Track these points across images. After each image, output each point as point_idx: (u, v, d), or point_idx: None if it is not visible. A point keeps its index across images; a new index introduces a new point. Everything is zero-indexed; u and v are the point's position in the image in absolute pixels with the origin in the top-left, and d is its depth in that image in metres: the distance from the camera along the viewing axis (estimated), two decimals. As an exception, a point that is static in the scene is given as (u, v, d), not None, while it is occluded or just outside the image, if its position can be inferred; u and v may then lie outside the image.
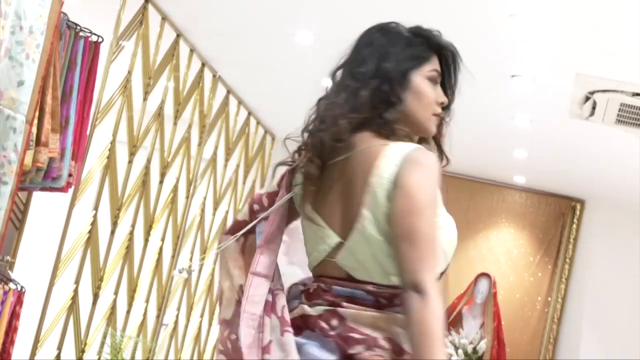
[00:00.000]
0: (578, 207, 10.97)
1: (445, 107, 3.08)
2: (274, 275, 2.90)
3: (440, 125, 3.08)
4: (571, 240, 10.92)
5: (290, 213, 3.02)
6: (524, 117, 8.44)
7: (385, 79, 2.95)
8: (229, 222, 3.04)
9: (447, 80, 3.10)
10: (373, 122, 2.93)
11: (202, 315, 9.70)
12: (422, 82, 2.99)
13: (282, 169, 3.02)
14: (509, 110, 8.33)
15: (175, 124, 8.30)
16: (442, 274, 2.86)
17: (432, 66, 3.03)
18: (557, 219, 11.04)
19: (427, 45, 3.06)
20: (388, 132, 2.92)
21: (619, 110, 7.35)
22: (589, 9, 5.99)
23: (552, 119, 8.23)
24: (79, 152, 5.83)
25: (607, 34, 6.29)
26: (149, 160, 7.90)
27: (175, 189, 8.56)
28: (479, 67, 7.39)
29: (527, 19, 6.31)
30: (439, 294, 2.71)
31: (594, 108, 7.47)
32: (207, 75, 8.71)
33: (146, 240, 8.03)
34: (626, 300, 10.64)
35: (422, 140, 3.05)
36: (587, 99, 7.37)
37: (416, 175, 2.80)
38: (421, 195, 2.77)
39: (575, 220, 10.95)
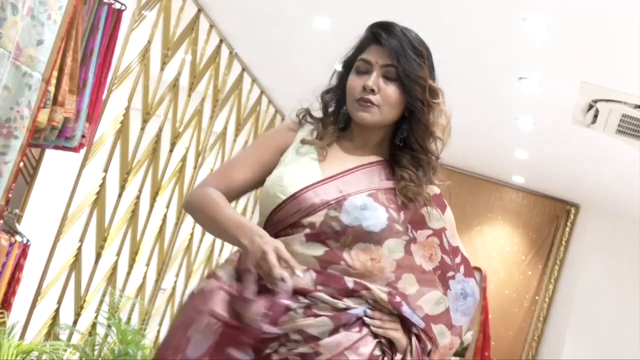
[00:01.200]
0: (573, 211, 11.00)
1: (408, 94, 2.91)
2: None
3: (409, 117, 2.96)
4: (563, 242, 10.95)
5: None
6: (527, 119, 8.45)
7: (333, 78, 3.08)
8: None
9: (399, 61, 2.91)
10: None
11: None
12: (350, 75, 2.97)
13: None
14: (513, 111, 8.34)
15: (189, 95, 8.31)
16: (275, 210, 2.84)
17: (361, 56, 2.95)
18: (551, 221, 11.06)
19: (363, 38, 3.00)
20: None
21: (620, 121, 7.34)
22: (600, 20, 5.98)
23: (554, 123, 8.23)
24: (94, 115, 5.83)
25: (616, 46, 6.28)
26: (160, 129, 7.90)
27: (184, 159, 8.56)
28: (489, 67, 7.41)
29: (539, 24, 6.30)
30: (209, 186, 2.96)
31: (596, 116, 7.46)
32: (224, 52, 8.71)
33: (152, 206, 8.04)
34: (612, 304, 10.68)
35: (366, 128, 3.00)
36: (591, 107, 7.37)
37: None
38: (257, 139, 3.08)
39: (568, 224, 10.98)
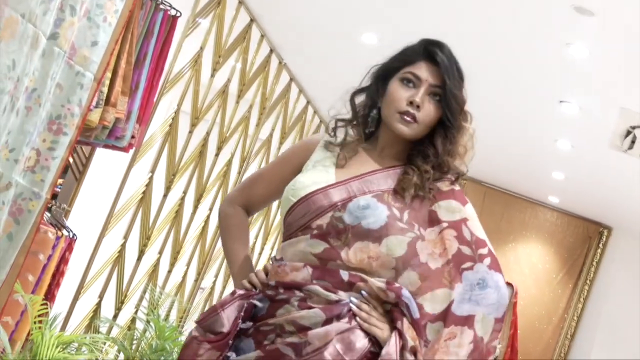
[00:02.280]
0: (605, 233, 10.93)
1: (448, 115, 2.90)
2: None
3: (440, 133, 2.92)
4: (594, 263, 10.88)
5: None
6: (566, 142, 8.41)
7: (371, 83, 3.03)
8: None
9: (447, 86, 2.90)
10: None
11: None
12: (394, 84, 2.93)
13: None
14: (553, 133, 8.30)
15: (237, 102, 8.31)
16: (288, 212, 2.89)
17: (411, 69, 2.91)
18: (584, 242, 11.00)
19: (414, 51, 2.96)
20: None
21: (657, 148, 7.29)
22: (642, 47, 5.95)
23: (592, 146, 8.17)
24: (144, 117, 5.83)
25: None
26: (208, 133, 7.91)
27: (229, 163, 8.56)
28: (531, 90, 7.37)
29: (582, 50, 6.26)
30: (232, 204, 3.16)
31: (633, 142, 7.40)
32: (274, 61, 8.72)
33: (195, 208, 8.05)
34: (638, 326, 10.60)
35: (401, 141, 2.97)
36: (629, 133, 7.30)
37: None
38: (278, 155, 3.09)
39: (600, 245, 10.92)
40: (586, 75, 6.72)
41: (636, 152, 7.54)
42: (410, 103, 2.86)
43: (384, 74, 2.98)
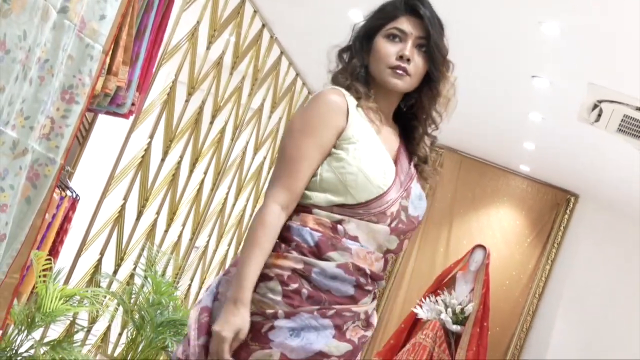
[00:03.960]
0: (572, 200, 10.97)
1: (432, 66, 2.90)
2: None
3: (427, 88, 2.94)
4: (561, 228, 10.93)
5: None
6: (537, 114, 8.43)
7: (354, 42, 2.99)
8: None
9: (431, 38, 2.89)
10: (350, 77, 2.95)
11: (229, 244, 9.74)
12: (380, 41, 2.89)
13: None
14: (525, 106, 8.31)
15: (231, 74, 8.31)
16: (344, 205, 2.74)
17: (394, 24, 2.89)
18: (552, 208, 11.05)
19: (395, 6, 2.93)
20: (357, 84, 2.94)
21: (622, 121, 7.32)
22: (609, 27, 5.96)
23: (561, 119, 8.20)
24: (144, 85, 5.84)
25: (621, 51, 6.26)
26: (203, 102, 7.91)
27: (222, 131, 8.56)
28: (505, 65, 7.40)
29: (553, 28, 6.28)
30: (275, 204, 2.72)
31: (599, 115, 7.44)
32: (265, 35, 8.70)
33: (191, 172, 8.05)
34: (601, 287, 10.69)
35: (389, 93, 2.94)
36: (595, 106, 7.34)
37: (299, 110, 2.89)
38: (295, 122, 2.77)
39: (567, 212, 10.96)
40: (557, 52, 6.74)
41: (602, 124, 7.58)
42: (400, 57, 2.85)
43: (367, 33, 2.95)
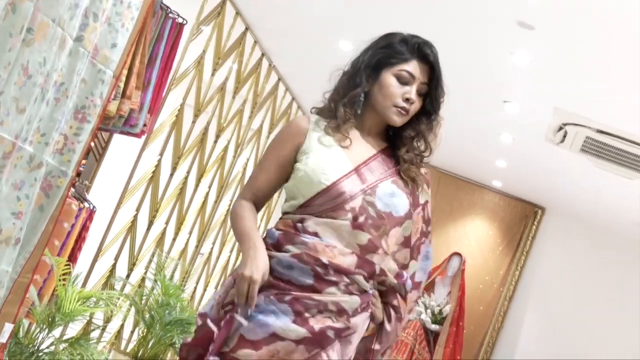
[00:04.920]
0: (539, 212, 10.96)
1: (428, 109, 2.95)
2: None
3: (424, 121, 2.96)
4: (530, 238, 10.92)
5: None
6: (508, 135, 8.41)
7: (362, 70, 2.95)
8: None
9: (432, 87, 2.94)
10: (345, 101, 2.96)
11: (231, 251, 9.72)
12: (389, 78, 2.88)
13: None
14: (497, 128, 8.30)
15: (233, 98, 8.30)
16: (303, 206, 2.81)
17: (405, 67, 2.89)
18: (522, 220, 11.03)
19: (407, 49, 2.93)
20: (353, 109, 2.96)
21: (584, 142, 7.30)
22: (574, 58, 5.95)
23: (530, 140, 8.18)
24: (155, 108, 5.82)
25: (586, 79, 6.25)
26: (208, 123, 7.91)
27: (225, 149, 8.55)
28: (480, 91, 7.37)
29: (524, 58, 6.27)
30: (240, 198, 2.98)
31: (564, 137, 7.42)
32: (264, 64, 8.70)
33: (197, 186, 8.04)
34: (565, 291, 10.70)
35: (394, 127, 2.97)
36: (561, 128, 7.32)
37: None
38: (269, 143, 2.96)
39: (535, 223, 10.95)
40: (526, 80, 6.72)
41: (567, 145, 7.56)
42: (407, 100, 2.86)
43: (376, 64, 2.94)
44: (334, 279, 2.70)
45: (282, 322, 2.65)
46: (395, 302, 2.79)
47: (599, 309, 10.53)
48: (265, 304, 2.68)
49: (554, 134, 7.50)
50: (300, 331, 2.64)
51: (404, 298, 2.82)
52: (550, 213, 11.00)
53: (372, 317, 2.78)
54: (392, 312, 2.80)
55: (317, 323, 2.67)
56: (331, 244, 2.72)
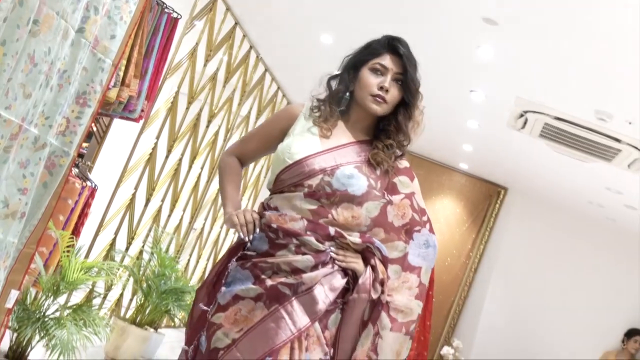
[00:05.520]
0: (502, 192, 10.99)
1: (406, 99, 2.95)
2: None
3: (402, 112, 2.97)
4: (493, 215, 10.95)
5: None
6: (474, 122, 8.42)
7: (343, 71, 3.00)
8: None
9: (406, 77, 2.95)
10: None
11: (221, 227, 9.72)
12: (365, 72, 2.92)
13: None
14: (464, 115, 8.31)
15: (224, 86, 8.28)
16: (273, 187, 2.91)
17: (378, 60, 2.92)
18: (486, 199, 11.06)
19: (380, 45, 2.96)
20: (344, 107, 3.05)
21: (543, 128, 7.31)
22: (535, 52, 5.96)
23: (494, 126, 8.19)
24: (152, 95, 5.79)
25: (544, 71, 6.26)
26: (201, 110, 7.89)
27: (216, 134, 8.54)
28: (448, 81, 7.37)
29: (489, 51, 6.27)
30: (225, 153, 3.15)
31: (525, 123, 7.43)
32: (252, 56, 8.67)
33: (190, 167, 8.03)
34: (525, 263, 10.77)
35: (382, 118, 2.99)
36: (522, 115, 7.33)
37: None
38: (266, 119, 3.11)
39: (498, 202, 10.98)
40: (491, 71, 6.73)
41: (527, 131, 7.58)
42: (381, 88, 2.88)
43: (355, 65, 2.97)
44: (283, 242, 2.75)
45: (244, 285, 2.73)
46: (372, 262, 2.78)
47: (554, 279, 10.60)
48: (234, 274, 2.78)
49: (516, 120, 7.51)
50: (257, 289, 2.70)
51: (384, 261, 2.80)
52: (512, 193, 11.03)
53: (356, 275, 2.78)
54: (370, 271, 2.77)
55: (271, 281, 2.72)
56: (284, 213, 2.79)
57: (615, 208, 9.46)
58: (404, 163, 2.98)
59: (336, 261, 2.75)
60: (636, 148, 6.93)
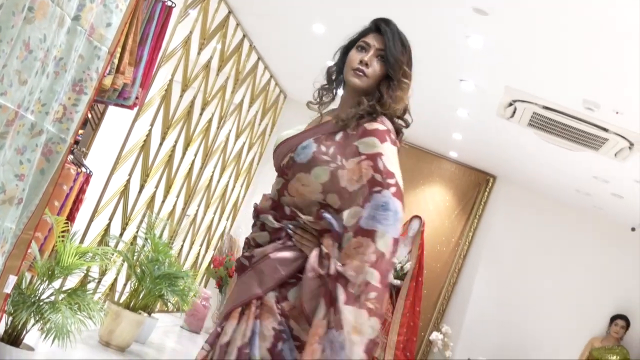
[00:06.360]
0: (491, 180, 11.01)
1: (389, 70, 2.89)
2: None
3: (384, 84, 2.91)
4: (482, 203, 10.98)
5: None
6: (463, 111, 8.43)
7: (336, 54, 3.01)
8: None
9: (388, 46, 2.91)
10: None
11: (214, 213, 9.73)
12: (352, 51, 2.92)
13: None
14: (454, 105, 8.32)
15: (217, 75, 8.29)
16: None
17: (363, 39, 2.92)
18: (475, 187, 11.08)
19: (366, 27, 2.98)
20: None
21: (531, 117, 7.33)
22: (523, 42, 5.97)
23: (483, 115, 8.21)
24: (146, 83, 5.79)
25: (533, 61, 6.27)
26: (194, 97, 7.90)
27: (210, 121, 8.54)
28: (438, 71, 7.38)
29: (478, 41, 6.28)
30: None
31: (514, 112, 7.44)
32: (245, 44, 8.67)
33: (184, 154, 8.03)
34: (513, 249, 10.80)
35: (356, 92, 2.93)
36: (510, 105, 7.34)
37: None
38: None
39: (487, 190, 11.01)
40: (480, 60, 6.73)
41: (516, 120, 7.59)
42: (361, 62, 2.86)
43: (346, 48, 2.97)
44: (254, 220, 2.88)
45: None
46: (321, 240, 2.70)
47: (542, 265, 10.64)
48: None
49: (505, 109, 7.52)
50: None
51: (337, 237, 2.67)
52: (500, 181, 11.05)
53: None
54: (317, 250, 2.68)
55: (240, 255, 2.87)
56: (267, 195, 2.89)
57: (602, 196, 9.50)
58: (375, 125, 2.81)
59: (293, 239, 2.76)
60: (623, 137, 6.95)
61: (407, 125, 3.00)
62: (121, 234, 7.09)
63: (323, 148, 2.76)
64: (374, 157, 2.72)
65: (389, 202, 2.67)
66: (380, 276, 2.55)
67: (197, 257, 9.61)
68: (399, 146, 2.89)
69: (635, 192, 8.52)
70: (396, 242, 2.63)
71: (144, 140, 7.04)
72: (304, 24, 7.47)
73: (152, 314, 7.00)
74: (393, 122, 2.92)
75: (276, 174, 2.87)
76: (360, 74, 2.86)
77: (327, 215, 2.68)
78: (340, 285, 2.53)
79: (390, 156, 2.77)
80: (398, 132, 2.96)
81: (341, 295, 2.51)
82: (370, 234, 2.60)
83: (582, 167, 8.54)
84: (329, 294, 2.55)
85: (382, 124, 2.83)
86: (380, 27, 2.93)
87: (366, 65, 2.86)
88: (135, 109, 6.03)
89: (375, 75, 2.88)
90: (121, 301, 6.86)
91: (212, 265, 9.32)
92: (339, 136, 2.79)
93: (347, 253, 2.59)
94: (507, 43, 6.19)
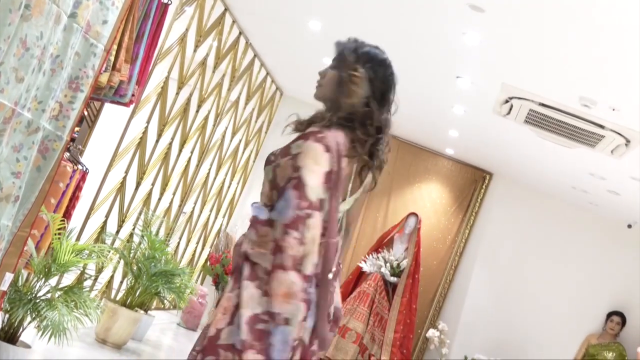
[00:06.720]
0: (487, 177, 11.01)
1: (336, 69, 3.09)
2: None
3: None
4: (478, 200, 10.97)
5: None
6: (460, 107, 8.43)
7: None
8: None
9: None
10: None
11: (211, 210, 9.73)
12: None
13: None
14: (450, 101, 8.31)
15: (213, 72, 8.29)
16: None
17: None
18: (471, 184, 11.08)
19: None
20: None
21: (528, 114, 7.33)
22: (520, 39, 5.96)
23: (480, 112, 8.20)
24: (142, 80, 5.79)
25: (529, 57, 6.27)
26: (190, 95, 7.89)
27: (206, 118, 8.54)
28: (435, 68, 7.38)
29: (474, 38, 6.27)
30: None
31: (510, 109, 7.45)
32: (242, 42, 8.67)
33: (180, 151, 8.03)
34: (509, 246, 10.79)
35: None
36: (507, 102, 7.35)
37: None
38: None
39: (484, 187, 11.01)
40: (476, 57, 6.73)
41: (512, 117, 7.59)
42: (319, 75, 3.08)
43: None
44: None
45: None
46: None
47: (538, 262, 10.65)
48: None
49: (501, 106, 7.53)
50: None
51: (255, 224, 2.89)
52: (497, 178, 11.06)
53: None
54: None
55: None
56: None
57: (598, 193, 9.50)
58: (312, 128, 2.97)
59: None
60: (619, 134, 6.96)
61: (369, 135, 3.05)
62: (117, 232, 7.09)
63: (278, 151, 2.95)
64: (295, 156, 2.87)
65: (287, 193, 2.81)
66: (269, 255, 2.78)
67: (193, 255, 9.61)
68: (335, 148, 2.90)
69: (631, 189, 8.53)
70: (288, 227, 2.73)
71: (140, 138, 7.03)
72: (300, 21, 7.47)
73: (149, 312, 7.00)
74: (354, 133, 3.00)
75: None
76: (316, 85, 3.08)
77: (254, 205, 2.93)
78: (249, 265, 2.81)
79: (307, 153, 2.86)
80: (362, 142, 3.03)
81: (245, 271, 2.80)
82: (268, 223, 2.85)
83: (579, 164, 8.54)
84: (236, 270, 2.86)
85: (322, 129, 2.94)
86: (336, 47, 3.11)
87: (323, 77, 3.07)
88: (132, 106, 6.03)
89: (326, 82, 3.07)
90: (118, 299, 6.86)
91: (208, 263, 9.32)
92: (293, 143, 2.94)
93: (258, 242, 2.85)
94: (503, 40, 6.19)
